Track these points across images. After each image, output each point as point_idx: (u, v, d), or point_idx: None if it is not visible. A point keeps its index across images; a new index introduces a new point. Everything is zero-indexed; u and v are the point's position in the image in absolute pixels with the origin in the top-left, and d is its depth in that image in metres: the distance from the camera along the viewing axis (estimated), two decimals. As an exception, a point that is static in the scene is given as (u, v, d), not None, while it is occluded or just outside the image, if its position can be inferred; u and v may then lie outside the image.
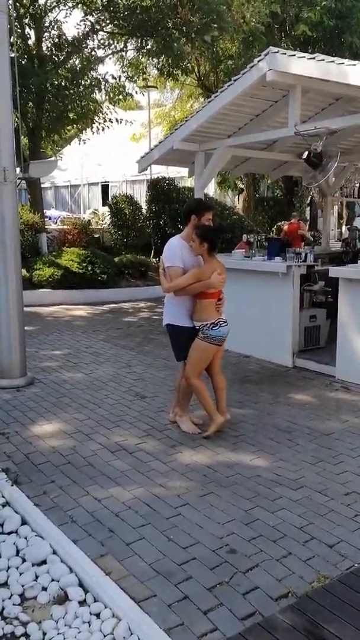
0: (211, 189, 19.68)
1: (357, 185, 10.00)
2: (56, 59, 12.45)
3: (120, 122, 12.97)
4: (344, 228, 24.07)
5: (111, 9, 12.16)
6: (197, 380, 4.53)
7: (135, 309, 11.18)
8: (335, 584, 2.67)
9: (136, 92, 14.64)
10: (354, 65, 5.38)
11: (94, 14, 12.23)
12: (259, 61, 6.24)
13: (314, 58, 5.69)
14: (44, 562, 2.92)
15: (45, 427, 4.74)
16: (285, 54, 5.99)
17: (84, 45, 12.81)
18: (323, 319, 7.02)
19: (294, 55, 5.90)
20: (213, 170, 7.83)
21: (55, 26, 12.59)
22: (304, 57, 5.78)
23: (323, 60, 5.60)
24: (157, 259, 15.18)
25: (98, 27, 12.08)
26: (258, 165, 9.69)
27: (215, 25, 10.48)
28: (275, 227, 18.19)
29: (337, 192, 10.03)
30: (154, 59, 13.84)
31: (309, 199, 20.82)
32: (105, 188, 25.17)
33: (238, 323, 5.86)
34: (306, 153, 6.21)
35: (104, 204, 23.26)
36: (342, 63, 5.44)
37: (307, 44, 14.91)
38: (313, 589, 2.64)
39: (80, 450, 4.26)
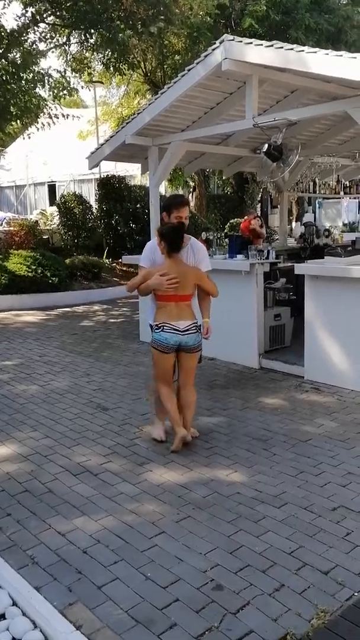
0: (162, 188, 19.34)
1: (312, 180, 9.88)
2: (-5, 51, 11.80)
3: (67, 118, 12.44)
4: (294, 224, 24.20)
5: (52, -1, 11.62)
6: (160, 386, 4.28)
7: (90, 312, 10.71)
8: (337, 620, 2.38)
9: (82, 87, 14.10)
10: (314, 52, 5.15)
11: (34, 4, 11.63)
12: (213, 49, 5.92)
13: (272, 45, 5.42)
14: (2, 616, 2.52)
15: (-2, 450, 4.29)
16: (241, 41, 5.70)
17: (24, 38, 12.22)
18: (287, 317, 6.81)
19: (251, 43, 5.61)
20: (168, 166, 7.49)
21: (-7, 17, 11.95)
22: (262, 44, 5.51)
23: (282, 47, 5.34)
24: (110, 260, 14.74)
25: (39, 18, 11.49)
26: (213, 161, 9.42)
27: (162, 17, 10.12)
28: (228, 224, 18.05)
29: (293, 188, 9.84)
30: (98, 53, 13.37)
31: (260, 195, 20.82)
32: (52, 188, 24.44)
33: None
34: (266, 146, 5.96)
35: (51, 204, 22.56)
36: (302, 50, 5.20)
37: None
38: (314, 629, 2.34)
39: (39, 474, 3.84)
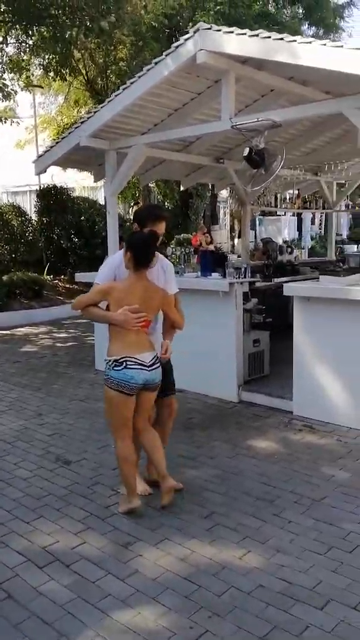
0: (102, 199, 18.45)
1: (275, 194, 9.35)
2: None
3: (5, 122, 11.36)
4: (236, 240, 23.93)
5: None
6: (119, 443, 3.38)
7: (33, 335, 9.63)
8: None
9: (21, 89, 13.04)
10: (308, 42, 4.51)
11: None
12: (186, 39, 5.19)
13: (257, 35, 4.75)
14: None
15: None
16: (220, 30, 5.02)
17: None
18: (266, 342, 6.10)
19: (232, 32, 4.93)
20: (127, 173, 6.63)
21: None
22: (245, 33, 4.83)
23: (269, 37, 4.67)
24: (52, 276, 13.68)
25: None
26: (171, 170, 8.64)
27: (113, 15, 9.34)
28: (174, 240, 17.39)
29: (255, 202, 9.26)
30: (38, 56, 12.43)
31: (203, 211, 20.63)
32: (-19, 200, 22.96)
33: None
34: (247, 150, 5.26)
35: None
36: (294, 40, 4.55)
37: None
38: None
39: (-9, 569, 2.87)
